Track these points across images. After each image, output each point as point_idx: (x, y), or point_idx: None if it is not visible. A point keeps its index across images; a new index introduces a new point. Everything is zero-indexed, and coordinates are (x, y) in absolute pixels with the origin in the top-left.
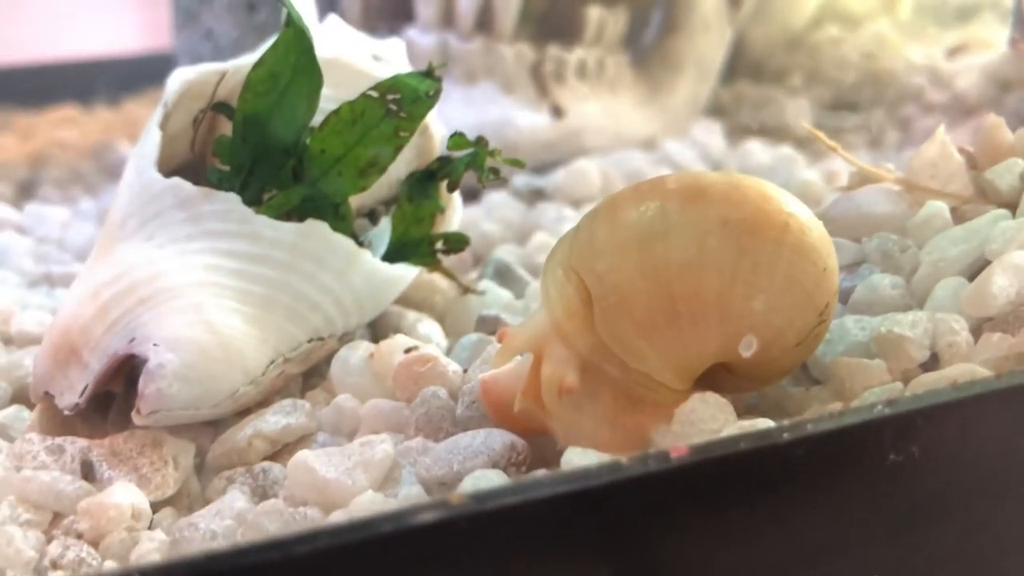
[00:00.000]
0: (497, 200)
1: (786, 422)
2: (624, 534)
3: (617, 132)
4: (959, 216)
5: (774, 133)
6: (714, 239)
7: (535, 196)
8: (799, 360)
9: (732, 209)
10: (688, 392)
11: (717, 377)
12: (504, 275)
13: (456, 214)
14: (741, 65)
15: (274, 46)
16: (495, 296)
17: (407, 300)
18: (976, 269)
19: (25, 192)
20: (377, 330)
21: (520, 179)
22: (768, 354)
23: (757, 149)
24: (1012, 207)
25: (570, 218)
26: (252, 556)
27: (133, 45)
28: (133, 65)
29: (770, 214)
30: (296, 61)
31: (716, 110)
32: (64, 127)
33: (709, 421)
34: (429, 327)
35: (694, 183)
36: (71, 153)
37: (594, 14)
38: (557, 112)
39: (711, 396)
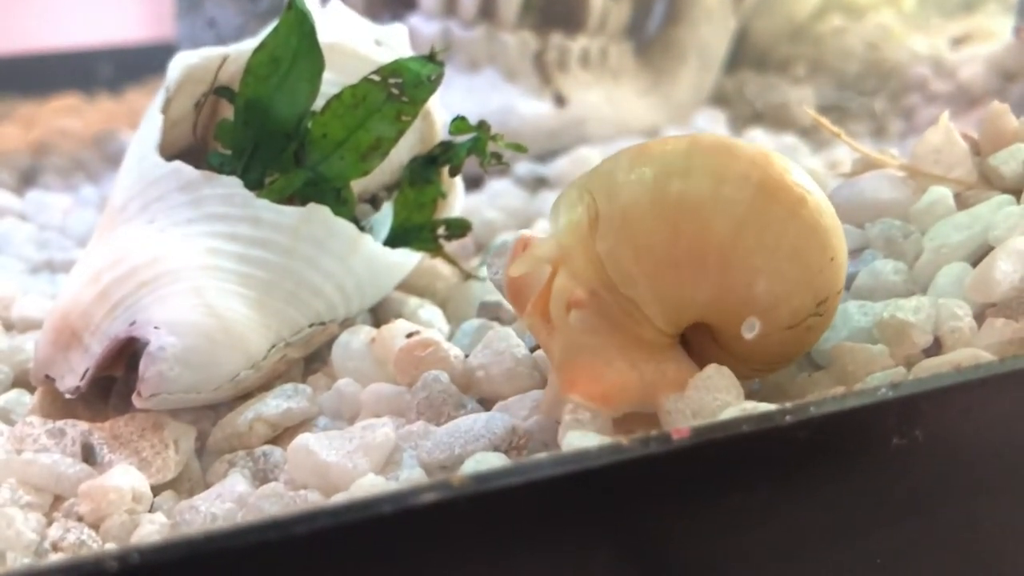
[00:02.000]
0: (499, 188)
1: (789, 405)
2: (625, 516)
3: (620, 121)
4: (962, 202)
5: (777, 122)
6: (731, 188)
7: (537, 184)
8: (787, 349)
9: (756, 168)
10: (672, 339)
11: (706, 353)
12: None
13: (458, 199)
14: (745, 55)
15: (275, 30)
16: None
17: (409, 286)
18: (979, 255)
19: (27, 180)
20: (379, 315)
21: (523, 167)
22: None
23: (760, 137)
24: (1016, 193)
25: None
26: (250, 536)
27: (136, 34)
28: (136, 54)
29: (791, 185)
30: (298, 45)
31: (720, 99)
32: (66, 116)
33: (723, 392)
34: (431, 313)
35: (725, 140)
36: (73, 141)
37: (597, 2)
38: (560, 100)
39: (725, 369)
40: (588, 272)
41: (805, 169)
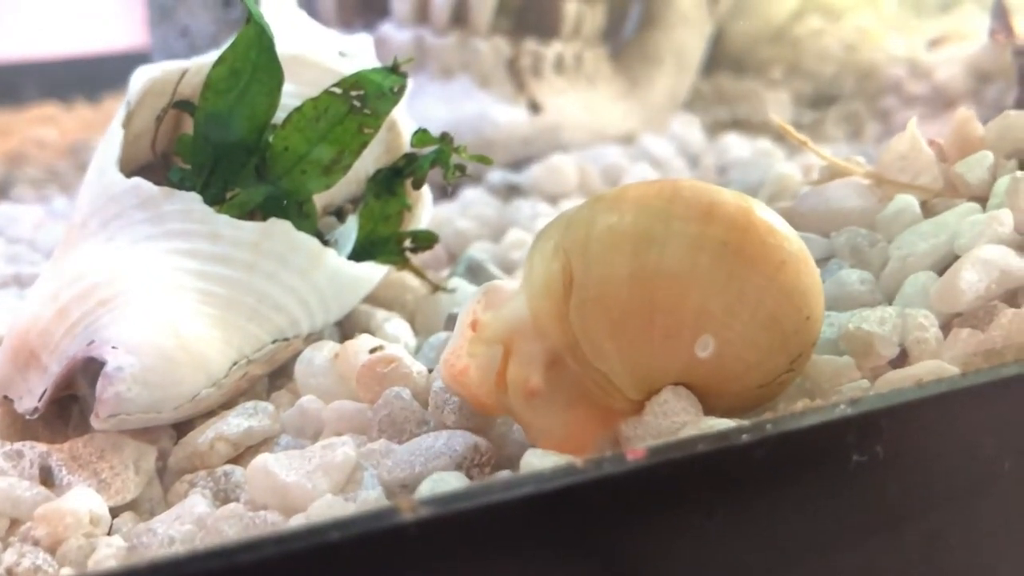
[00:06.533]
0: (472, 197)
1: (746, 422)
2: (582, 538)
3: (595, 127)
4: (929, 210)
5: (753, 126)
6: (708, 257)
7: (511, 192)
8: (758, 403)
9: (735, 233)
10: (641, 404)
11: None
12: (476, 272)
13: (425, 211)
14: (722, 58)
15: (235, 43)
16: (465, 293)
17: (377, 299)
18: (945, 264)
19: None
20: (346, 329)
21: (496, 175)
22: (728, 387)
23: (735, 143)
24: (982, 200)
25: (546, 214)
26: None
27: (114, 43)
28: (114, 63)
29: (770, 248)
30: (257, 58)
31: (696, 103)
32: (43, 125)
33: (681, 413)
34: (398, 326)
35: (707, 196)
36: (49, 152)
37: (571, 8)
38: (534, 107)
39: (682, 389)
40: (557, 336)
41: (779, 176)
